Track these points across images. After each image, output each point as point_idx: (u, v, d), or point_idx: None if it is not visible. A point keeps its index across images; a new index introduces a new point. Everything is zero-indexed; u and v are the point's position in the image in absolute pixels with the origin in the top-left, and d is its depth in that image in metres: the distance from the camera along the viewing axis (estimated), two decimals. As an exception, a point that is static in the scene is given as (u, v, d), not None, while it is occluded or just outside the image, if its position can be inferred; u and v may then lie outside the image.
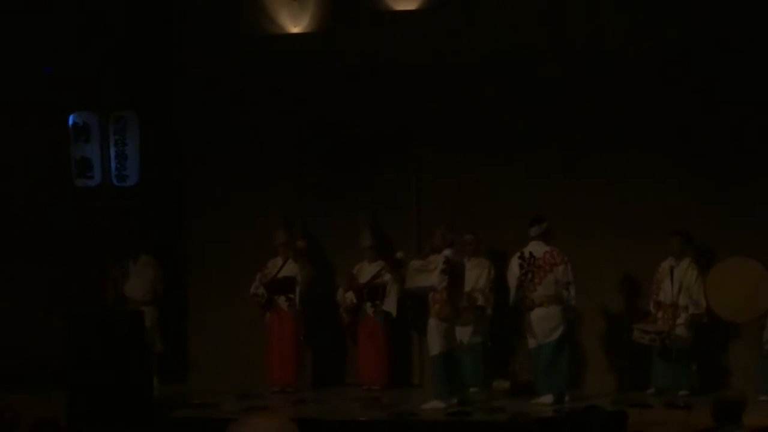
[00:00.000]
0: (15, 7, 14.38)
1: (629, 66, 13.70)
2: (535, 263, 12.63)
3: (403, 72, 14.26)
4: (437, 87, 14.21)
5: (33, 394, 12.86)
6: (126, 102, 14.21)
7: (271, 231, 14.17)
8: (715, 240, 13.34)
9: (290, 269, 14.00)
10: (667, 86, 13.62)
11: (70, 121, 14.08)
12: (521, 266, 12.65)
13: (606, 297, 13.71)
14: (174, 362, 14.80)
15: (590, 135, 13.83)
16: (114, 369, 11.95)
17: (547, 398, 12.49)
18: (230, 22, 14.80)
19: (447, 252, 12.50)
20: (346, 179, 14.56)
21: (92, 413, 11.88)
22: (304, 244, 14.29)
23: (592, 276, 13.55)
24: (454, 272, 12.45)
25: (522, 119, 14.00)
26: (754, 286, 12.44)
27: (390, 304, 13.81)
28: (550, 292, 12.61)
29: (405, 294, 13.53)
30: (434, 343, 12.48)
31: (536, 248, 12.68)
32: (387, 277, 13.83)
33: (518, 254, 12.70)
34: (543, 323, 12.59)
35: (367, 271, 14.05)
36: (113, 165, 14.13)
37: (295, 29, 14.79)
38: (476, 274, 13.41)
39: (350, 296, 14.01)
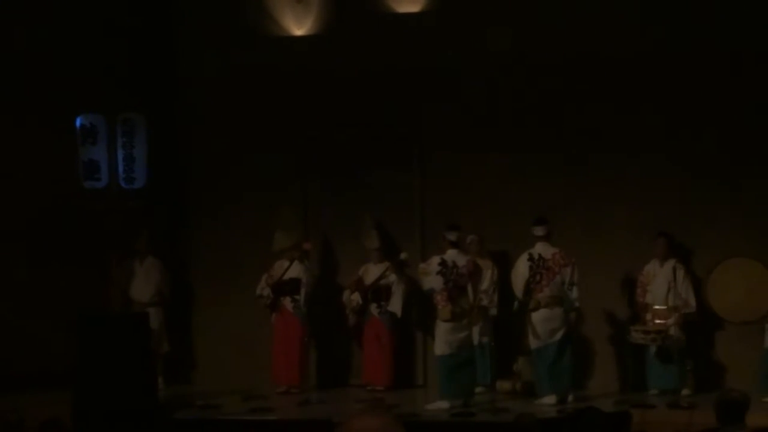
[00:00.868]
0: (22, 11, 14.42)
1: (631, 68, 13.72)
2: (544, 264, 12.63)
3: (406, 74, 14.29)
4: (441, 89, 14.24)
5: (38, 396, 12.92)
6: (133, 104, 14.24)
7: (276, 232, 14.18)
8: (716, 241, 13.35)
9: (296, 271, 14.02)
10: (668, 88, 13.65)
11: (78, 124, 14.10)
12: (531, 267, 12.61)
13: (609, 297, 13.73)
14: (179, 363, 14.85)
15: (593, 136, 13.86)
16: (119, 370, 11.99)
17: (551, 399, 12.51)
18: (235, 24, 14.84)
19: (448, 253, 12.53)
20: (350, 181, 14.59)
21: (97, 414, 11.91)
22: (311, 246, 14.32)
23: (595, 276, 13.57)
24: (452, 273, 12.46)
25: (525, 120, 14.02)
26: (755, 286, 12.46)
27: (395, 305, 13.84)
28: (555, 293, 12.63)
29: (413, 295, 13.60)
30: (438, 344, 12.54)
31: (544, 249, 12.68)
32: (392, 278, 13.85)
33: (526, 255, 12.66)
34: (546, 324, 12.61)
35: (372, 272, 14.08)
36: (120, 167, 14.15)
37: (299, 32, 14.83)
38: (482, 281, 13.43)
39: (356, 297, 14.04)
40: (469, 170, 14.20)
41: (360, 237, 14.23)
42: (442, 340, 12.49)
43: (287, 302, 14.01)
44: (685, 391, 12.83)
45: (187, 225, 15.14)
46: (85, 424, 11.81)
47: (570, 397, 12.54)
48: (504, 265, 13.82)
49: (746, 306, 12.63)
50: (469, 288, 12.59)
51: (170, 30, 15.17)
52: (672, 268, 13.14)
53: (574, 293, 12.65)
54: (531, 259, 12.65)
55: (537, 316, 12.63)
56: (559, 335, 12.60)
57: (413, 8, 14.52)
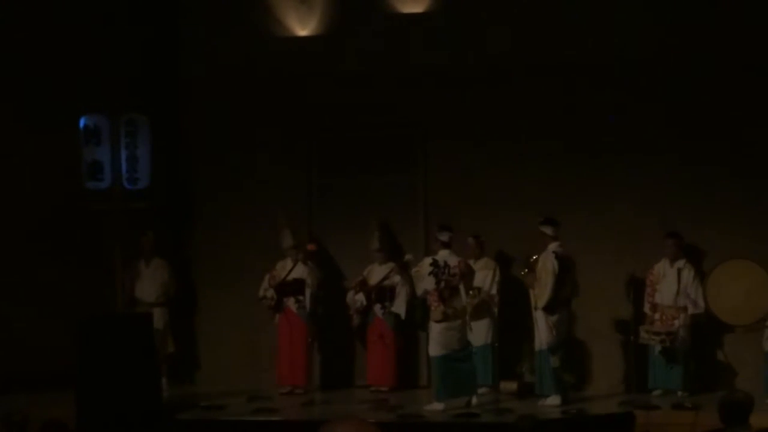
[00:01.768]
0: (26, 12, 14.43)
1: (637, 68, 13.72)
2: (568, 263, 12.62)
3: (410, 75, 14.29)
4: (445, 90, 14.23)
5: (42, 397, 12.94)
6: (137, 105, 14.24)
7: (280, 233, 14.19)
8: (716, 241, 13.35)
9: (300, 272, 14.02)
10: (675, 88, 13.65)
11: (81, 124, 14.12)
12: (561, 265, 12.53)
13: (613, 298, 13.72)
14: (183, 364, 14.85)
15: (597, 137, 13.85)
16: (123, 371, 11.99)
17: (555, 400, 12.50)
18: (239, 25, 14.84)
19: (439, 253, 12.53)
20: (354, 181, 14.58)
21: (101, 415, 11.92)
22: (314, 247, 14.32)
23: (598, 277, 13.58)
24: (443, 273, 12.45)
25: (529, 122, 14.02)
26: (754, 288, 12.46)
27: (399, 306, 13.83)
28: (568, 293, 12.69)
29: (416, 300, 13.62)
30: (431, 345, 12.53)
31: (561, 249, 12.65)
32: (396, 279, 13.85)
33: (552, 254, 12.49)
34: (547, 325, 12.59)
35: (377, 273, 14.08)
36: (124, 168, 14.14)
37: (302, 32, 14.83)
38: (482, 276, 13.43)
39: (360, 298, 14.03)
40: (473, 171, 14.20)
41: (364, 238, 14.22)
42: (435, 341, 12.48)
43: (291, 303, 14.01)
44: (685, 392, 12.82)
45: (190, 225, 15.14)
46: (89, 425, 11.82)
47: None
48: (506, 265, 13.83)
49: (744, 308, 12.61)
50: (462, 288, 12.54)
51: (174, 31, 15.17)
52: (681, 268, 13.11)
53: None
54: (558, 257, 12.50)
55: (540, 316, 12.61)
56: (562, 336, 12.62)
57: (417, 9, 14.51)
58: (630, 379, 12.95)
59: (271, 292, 14.06)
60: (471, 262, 13.09)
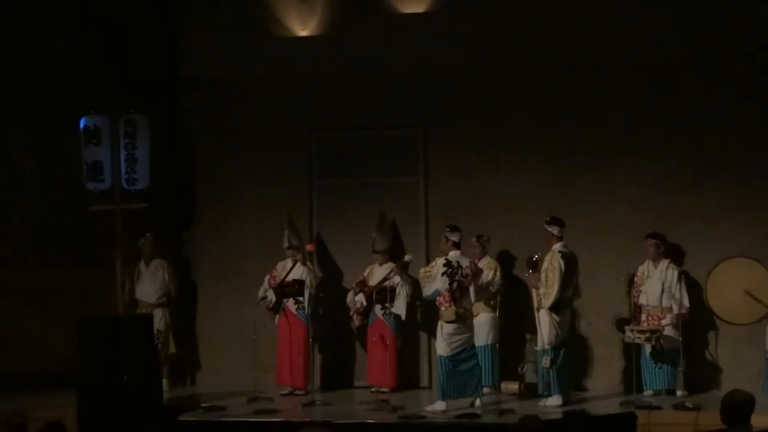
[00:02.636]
0: (25, 13, 14.42)
1: (636, 72, 13.71)
2: (572, 263, 12.65)
3: (411, 75, 14.29)
4: (446, 90, 14.22)
5: (43, 398, 12.93)
6: (136, 105, 14.23)
7: (280, 234, 14.18)
8: (718, 242, 13.35)
9: (299, 273, 14.01)
10: (670, 91, 13.65)
11: (81, 125, 14.12)
12: (567, 265, 12.56)
13: (614, 299, 13.71)
14: (184, 365, 14.84)
15: (597, 138, 13.86)
16: (124, 372, 11.99)
17: (556, 400, 12.50)
18: (239, 25, 14.83)
19: (451, 254, 12.54)
20: (355, 182, 14.57)
21: (102, 416, 11.92)
22: (314, 248, 14.31)
23: (600, 278, 13.58)
24: (456, 274, 12.46)
25: (530, 122, 14.01)
26: (754, 286, 12.46)
27: (399, 307, 13.81)
28: (572, 293, 12.70)
29: (418, 296, 13.60)
30: (440, 345, 12.53)
31: (566, 249, 12.66)
32: (396, 279, 13.83)
33: (558, 253, 12.54)
34: (551, 325, 12.59)
35: (377, 273, 14.07)
36: (123, 168, 14.16)
37: (303, 32, 14.82)
38: (484, 276, 13.40)
39: (360, 299, 14.02)
40: (474, 172, 14.19)
41: (365, 238, 14.21)
42: (446, 341, 12.47)
43: (291, 304, 14.00)
44: (679, 392, 12.81)
45: (190, 226, 15.12)
46: (90, 426, 11.82)
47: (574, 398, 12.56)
48: (508, 266, 13.83)
49: (745, 307, 12.61)
50: (471, 289, 12.57)
51: (174, 31, 15.16)
52: (665, 268, 13.14)
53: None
54: (564, 256, 12.55)
55: (543, 317, 12.62)
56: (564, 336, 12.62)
57: (418, 8, 14.50)
58: (630, 380, 12.93)
59: (270, 293, 14.06)
60: (475, 261, 13.09)
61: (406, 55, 14.33)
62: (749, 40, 13.40)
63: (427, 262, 13.70)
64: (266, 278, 14.14)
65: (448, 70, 14.22)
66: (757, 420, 7.19)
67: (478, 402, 12.55)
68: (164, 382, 13.77)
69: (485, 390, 12.98)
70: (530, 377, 13.58)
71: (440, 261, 12.61)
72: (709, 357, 13.47)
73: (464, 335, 12.52)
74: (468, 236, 13.27)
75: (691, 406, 12.18)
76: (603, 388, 13.61)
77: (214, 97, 14.86)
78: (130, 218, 14.24)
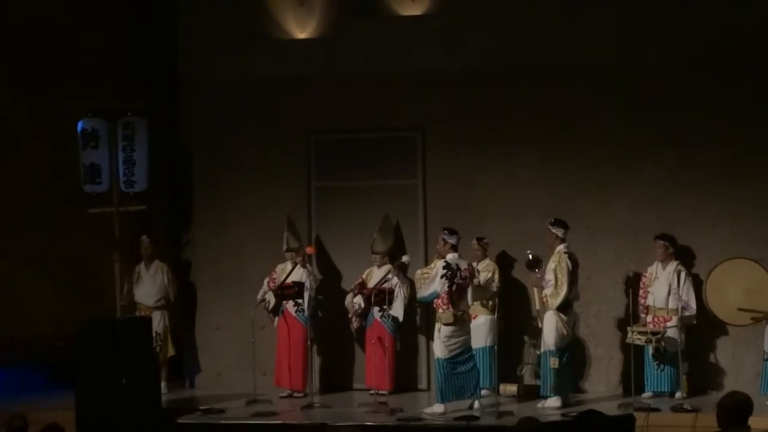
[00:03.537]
0: (25, 14, 14.43)
1: (636, 73, 13.72)
2: (575, 264, 12.69)
3: (409, 77, 14.29)
4: (444, 92, 14.23)
5: (42, 401, 12.94)
6: (134, 108, 14.24)
7: (278, 236, 14.19)
8: (719, 243, 13.36)
9: (299, 275, 14.01)
10: (668, 92, 13.66)
11: (79, 128, 14.13)
12: (573, 264, 12.61)
13: (613, 300, 13.73)
14: (182, 367, 14.84)
15: (596, 139, 13.86)
16: (122, 375, 11.98)
17: (555, 402, 12.51)
18: (237, 28, 14.83)
19: (449, 256, 12.55)
20: (353, 184, 14.58)
21: (101, 419, 11.92)
22: (314, 250, 14.32)
23: (599, 279, 13.59)
24: (456, 276, 12.47)
25: (529, 124, 14.02)
26: (754, 288, 12.46)
27: (396, 309, 13.80)
28: (575, 294, 12.74)
29: (417, 302, 13.62)
30: (438, 347, 12.53)
31: (569, 251, 12.69)
32: (394, 281, 13.84)
33: (565, 252, 12.61)
34: (558, 326, 12.60)
35: (375, 275, 14.07)
36: (121, 171, 14.17)
37: (301, 35, 14.83)
38: (483, 278, 13.42)
39: (358, 301, 14.02)
40: (472, 174, 14.20)
41: (363, 240, 14.22)
42: (443, 343, 12.48)
43: (290, 306, 14.01)
44: (678, 394, 12.81)
45: (188, 228, 15.12)
46: (88, 429, 11.82)
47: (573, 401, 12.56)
48: (506, 268, 13.83)
49: (746, 308, 12.60)
50: (469, 291, 12.59)
51: (172, 33, 15.16)
52: (673, 270, 13.13)
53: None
54: (570, 256, 12.63)
55: (545, 318, 12.62)
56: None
57: (416, 11, 14.52)
58: (628, 382, 12.93)
59: (269, 295, 14.07)
60: (474, 263, 13.10)
61: (404, 57, 14.34)
62: (748, 41, 13.41)
63: (426, 264, 13.73)
64: (265, 281, 14.15)
65: (447, 72, 14.22)
66: (755, 422, 7.18)
67: (476, 404, 12.57)
68: (163, 384, 13.79)
69: (484, 392, 12.99)
70: (528, 379, 13.59)
71: (439, 263, 12.62)
72: (708, 359, 13.47)
73: (462, 337, 12.54)
74: (466, 238, 13.28)
75: (689, 408, 12.18)
76: (601, 390, 13.62)
77: (212, 99, 14.86)
78: (128, 221, 14.25)
